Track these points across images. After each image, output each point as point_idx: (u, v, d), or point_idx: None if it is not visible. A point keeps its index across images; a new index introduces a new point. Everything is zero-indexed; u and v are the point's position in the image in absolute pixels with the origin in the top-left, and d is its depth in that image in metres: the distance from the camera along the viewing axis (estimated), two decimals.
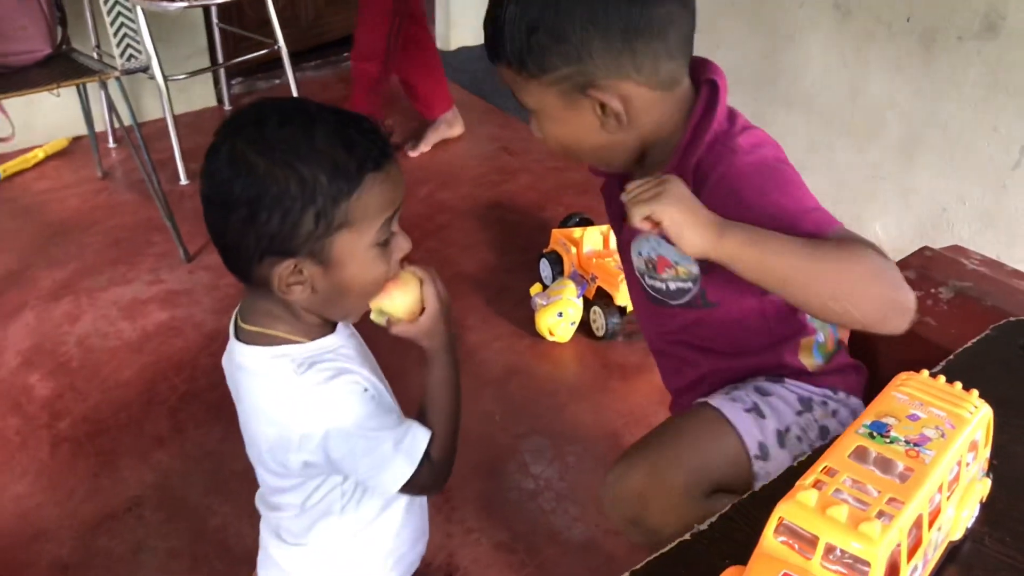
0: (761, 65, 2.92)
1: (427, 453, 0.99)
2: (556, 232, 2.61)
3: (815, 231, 0.92)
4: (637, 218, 0.89)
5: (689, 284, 1.08)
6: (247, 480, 1.92)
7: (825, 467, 0.65)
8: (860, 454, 0.68)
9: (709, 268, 1.02)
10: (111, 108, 2.88)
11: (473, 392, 2.24)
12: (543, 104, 1.03)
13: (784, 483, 0.73)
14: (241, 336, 0.98)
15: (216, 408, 2.14)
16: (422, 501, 1.18)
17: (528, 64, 1.00)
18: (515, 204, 3.08)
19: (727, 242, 0.88)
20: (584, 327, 2.43)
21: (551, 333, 2.38)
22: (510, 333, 2.45)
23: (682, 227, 0.88)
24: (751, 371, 1.15)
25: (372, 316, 0.98)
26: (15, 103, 2.69)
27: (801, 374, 1.13)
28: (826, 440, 1.04)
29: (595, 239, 2.50)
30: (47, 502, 1.92)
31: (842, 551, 0.61)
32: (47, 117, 3.28)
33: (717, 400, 1.12)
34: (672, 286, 1.10)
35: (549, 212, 2.98)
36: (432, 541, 1.82)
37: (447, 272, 2.68)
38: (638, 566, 0.69)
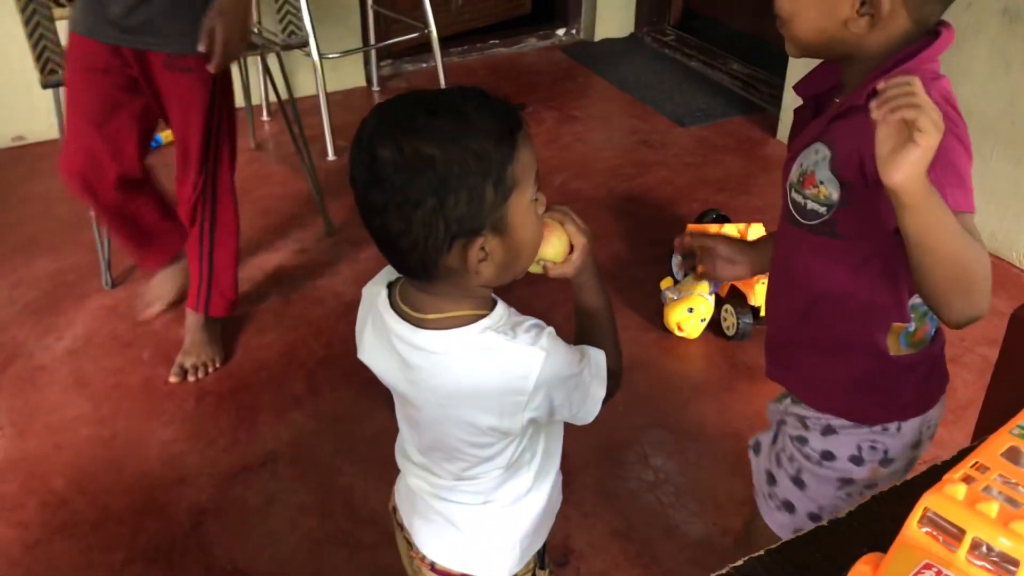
0: None
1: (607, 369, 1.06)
2: (691, 227, 2.59)
3: (961, 207, 0.93)
4: (892, 114, 0.84)
5: (823, 209, 1.09)
6: (375, 445, 2.00)
7: (976, 463, 0.64)
8: (1012, 454, 0.66)
9: (849, 200, 1.05)
10: (268, 81, 3.01)
11: None
12: None
13: (928, 478, 0.72)
14: (421, 325, 1.00)
15: (350, 374, 2.22)
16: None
17: None
18: (650, 197, 3.07)
19: (924, 188, 0.86)
20: (714, 325, 2.40)
21: (680, 328, 2.36)
22: (637, 325, 2.45)
23: (921, 153, 0.84)
24: (843, 341, 1.17)
25: (531, 268, 1.02)
26: None
27: (882, 356, 1.14)
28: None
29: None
30: (190, 450, 2.04)
31: (989, 547, 0.60)
32: None
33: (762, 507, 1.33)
34: (809, 206, 1.11)
35: (684, 207, 2.96)
36: None
37: None
38: (774, 546, 0.69)
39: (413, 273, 0.96)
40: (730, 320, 2.35)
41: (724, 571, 0.70)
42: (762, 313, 2.32)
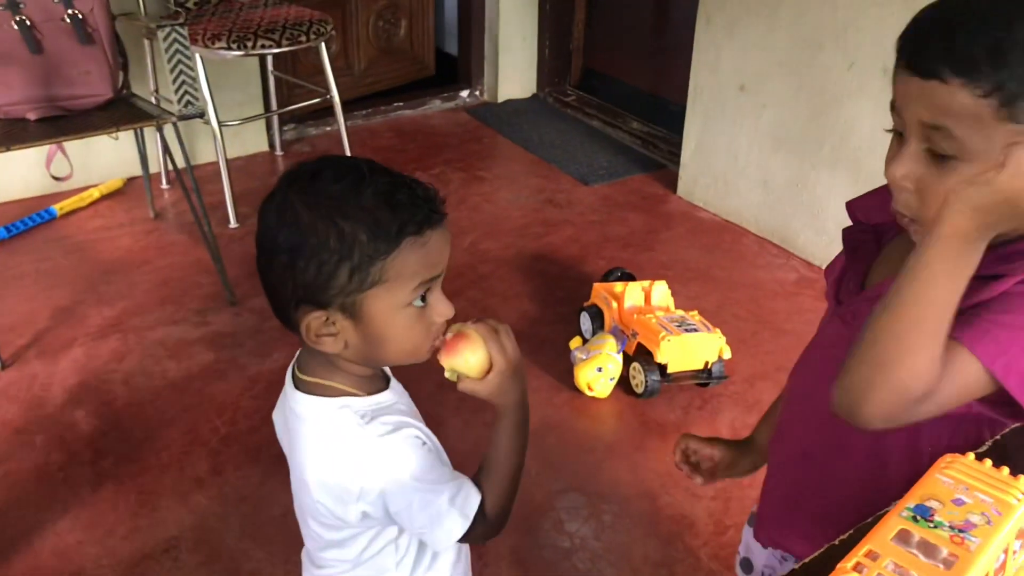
0: (807, 127, 2.93)
1: (481, 510, 0.99)
2: (598, 286, 2.62)
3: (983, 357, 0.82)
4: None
5: None
6: (283, 526, 1.94)
7: (867, 550, 0.65)
8: (903, 537, 0.67)
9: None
10: (166, 151, 2.96)
11: None
12: (991, 156, 0.80)
13: (823, 563, 0.72)
14: (300, 386, 1.00)
15: (255, 452, 2.16)
16: (467, 554, 1.18)
17: (1020, 106, 0.79)
18: (557, 256, 3.09)
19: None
20: (623, 383, 2.42)
21: (590, 388, 2.37)
22: (548, 386, 2.45)
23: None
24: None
25: (446, 374, 0.99)
26: (74, 144, 2.78)
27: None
28: None
29: (637, 295, 2.51)
30: (87, 540, 1.94)
31: None
32: (103, 158, 3.37)
33: None
34: None
35: (591, 265, 2.99)
36: None
37: None
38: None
39: (279, 317, 0.97)
40: (639, 378, 2.37)
41: None
42: (669, 369, 2.35)
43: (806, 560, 0.72)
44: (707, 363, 2.39)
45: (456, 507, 0.97)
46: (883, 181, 0.93)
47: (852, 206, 1.06)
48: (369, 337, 0.93)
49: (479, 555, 1.92)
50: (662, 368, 2.36)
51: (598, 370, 2.36)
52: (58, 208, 3.24)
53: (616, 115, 4.15)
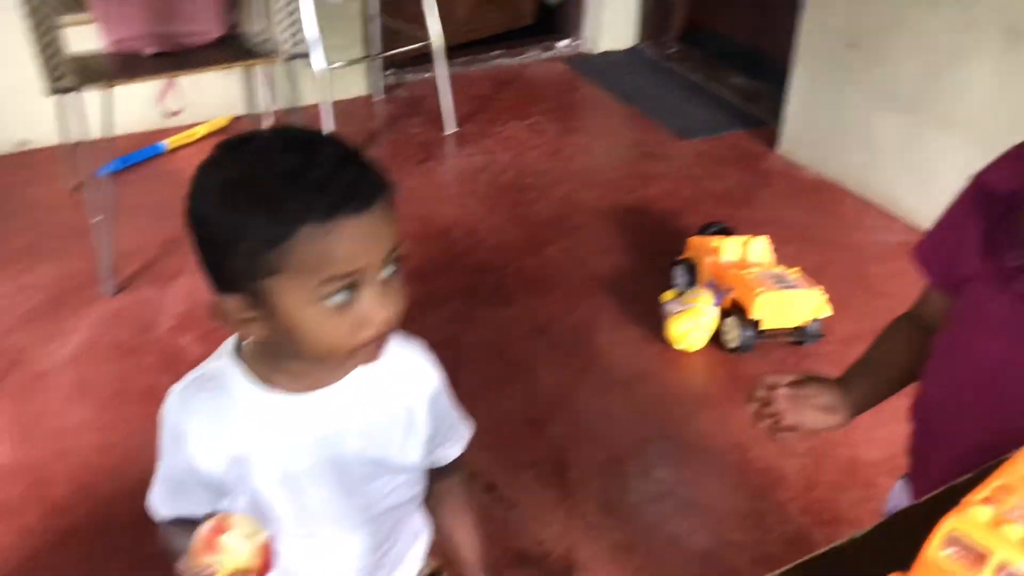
0: (922, 85, 2.83)
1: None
2: (694, 239, 2.60)
3: None
4: None
5: None
6: None
7: (1000, 484, 0.64)
8: None
9: None
10: (273, 89, 3.02)
11: (600, 392, 2.26)
12: None
13: (945, 500, 0.72)
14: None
15: None
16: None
17: None
18: (652, 210, 3.08)
19: None
20: (716, 338, 2.41)
21: (682, 341, 2.37)
22: (640, 338, 2.45)
23: None
24: None
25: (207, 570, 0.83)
26: (184, 81, 2.87)
27: None
28: None
29: (734, 250, 2.48)
30: None
31: (1013, 571, 0.60)
32: (211, 96, 3.46)
33: None
34: None
35: (686, 220, 2.97)
36: (552, 532, 1.87)
37: (580, 273, 2.70)
38: (788, 566, 0.69)
39: None
40: (732, 333, 2.36)
41: None
42: (764, 325, 2.33)
43: (929, 496, 0.72)
44: (804, 321, 2.36)
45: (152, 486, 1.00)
46: (996, 145, 0.90)
47: (985, 179, 0.99)
48: (279, 329, 0.84)
49: (568, 493, 1.96)
50: (755, 324, 2.33)
51: (691, 323, 2.35)
52: (167, 143, 3.35)
53: (717, 70, 4.07)
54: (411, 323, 1.05)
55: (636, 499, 1.97)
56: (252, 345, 0.93)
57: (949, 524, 0.62)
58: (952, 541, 0.62)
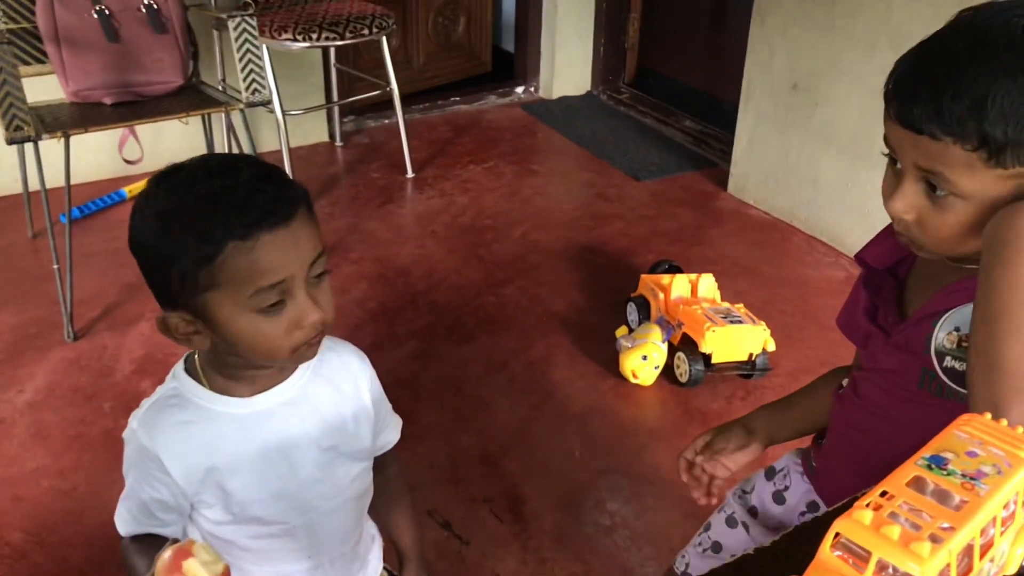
0: (861, 125, 2.94)
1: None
2: (645, 277, 2.67)
3: None
4: None
5: None
6: None
7: (883, 491, 0.70)
8: (918, 483, 0.72)
9: None
10: (232, 136, 3.07)
11: (555, 427, 2.31)
12: (986, 194, 0.89)
13: (847, 507, 0.77)
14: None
15: None
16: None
17: (1007, 155, 0.86)
18: (606, 249, 3.15)
19: None
20: (668, 373, 2.47)
21: (634, 375, 2.43)
22: (594, 372, 2.51)
23: None
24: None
25: None
26: (145, 129, 2.91)
27: None
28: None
29: (683, 286, 2.55)
30: None
31: (894, 568, 0.65)
32: (172, 144, 3.48)
33: None
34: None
35: (639, 258, 3.04)
36: (507, 567, 1.90)
37: (537, 310, 2.76)
38: (702, 574, 0.74)
39: None
40: (683, 367, 2.42)
41: None
42: (714, 360, 2.39)
43: (833, 507, 0.78)
44: (751, 355, 2.43)
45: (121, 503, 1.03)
46: None
47: (863, 256, 1.11)
48: (221, 338, 0.92)
49: (523, 527, 1.99)
50: (706, 358, 2.40)
51: (643, 358, 2.41)
52: (128, 191, 3.38)
53: (669, 113, 4.19)
54: (372, 361, 1.13)
55: (590, 531, 2.01)
56: (201, 359, 1.00)
57: (837, 527, 0.67)
58: (841, 544, 0.67)
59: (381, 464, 1.18)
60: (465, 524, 1.99)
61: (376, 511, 1.22)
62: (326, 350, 1.04)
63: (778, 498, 1.27)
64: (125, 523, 1.04)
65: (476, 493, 2.08)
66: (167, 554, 0.86)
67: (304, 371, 1.03)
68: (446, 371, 2.50)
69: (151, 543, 0.98)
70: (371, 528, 1.23)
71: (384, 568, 1.25)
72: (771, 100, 3.27)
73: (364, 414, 1.09)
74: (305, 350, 0.95)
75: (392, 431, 1.19)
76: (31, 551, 1.92)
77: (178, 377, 1.00)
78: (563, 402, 2.40)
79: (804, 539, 0.77)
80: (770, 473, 1.31)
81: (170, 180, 0.90)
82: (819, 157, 3.12)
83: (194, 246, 0.86)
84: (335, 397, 1.06)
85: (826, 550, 0.69)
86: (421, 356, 2.55)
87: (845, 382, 1.17)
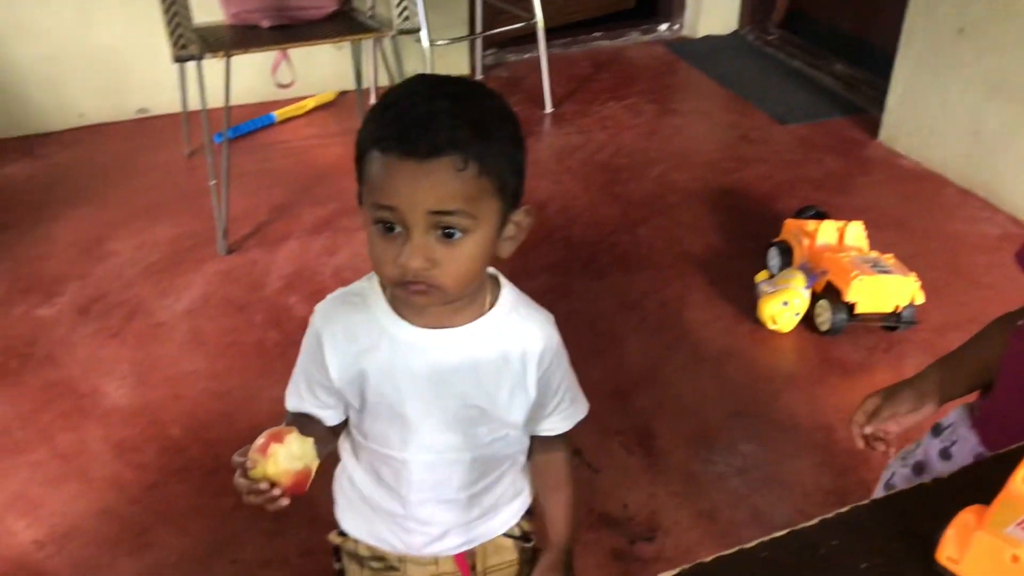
0: None
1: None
2: (789, 222, 2.61)
3: None
4: None
5: None
6: None
7: None
8: None
9: None
10: (381, 63, 3.11)
11: (688, 367, 2.30)
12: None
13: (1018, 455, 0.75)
14: None
15: None
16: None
17: None
18: (747, 192, 3.08)
19: None
20: (806, 320, 2.42)
21: (773, 321, 2.38)
22: (731, 316, 2.48)
23: None
24: None
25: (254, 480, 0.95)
26: (296, 54, 2.99)
27: None
28: None
29: (830, 233, 2.48)
30: None
31: None
32: (320, 70, 3.59)
33: None
34: None
35: (782, 203, 2.97)
36: (636, 497, 1.92)
37: (673, 251, 2.74)
38: (878, 496, 0.74)
39: None
40: (824, 315, 2.36)
41: (830, 515, 0.75)
42: (858, 310, 2.33)
43: (1017, 445, 0.76)
44: (897, 307, 2.35)
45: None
46: None
47: None
48: None
49: (654, 461, 2.01)
50: (850, 308, 2.34)
51: (784, 304, 2.37)
52: (277, 114, 3.49)
53: (819, 56, 4.04)
54: None
55: (720, 471, 2.00)
56: None
57: None
58: None
59: (547, 444, 1.13)
60: (596, 454, 2.02)
61: (534, 484, 1.18)
62: (517, 318, 1.02)
63: (944, 454, 1.23)
64: (290, 397, 1.09)
65: (608, 426, 2.10)
66: (268, 432, 0.94)
67: (478, 329, 1.00)
68: (579, 306, 2.51)
69: (305, 423, 1.03)
70: (517, 482, 1.16)
71: (519, 525, 1.19)
72: (933, 46, 3.10)
73: (522, 395, 1.04)
74: (400, 291, 0.93)
75: (561, 421, 1.10)
76: (189, 445, 2.05)
77: (371, 279, 1.03)
78: (697, 343, 2.39)
79: (986, 475, 0.75)
80: (937, 430, 1.26)
81: (407, 83, 0.93)
82: (982, 107, 2.96)
83: (360, 139, 0.91)
84: (498, 365, 1.02)
85: (1018, 480, 0.67)
86: (555, 290, 2.56)
87: (1021, 322, 1.12)
